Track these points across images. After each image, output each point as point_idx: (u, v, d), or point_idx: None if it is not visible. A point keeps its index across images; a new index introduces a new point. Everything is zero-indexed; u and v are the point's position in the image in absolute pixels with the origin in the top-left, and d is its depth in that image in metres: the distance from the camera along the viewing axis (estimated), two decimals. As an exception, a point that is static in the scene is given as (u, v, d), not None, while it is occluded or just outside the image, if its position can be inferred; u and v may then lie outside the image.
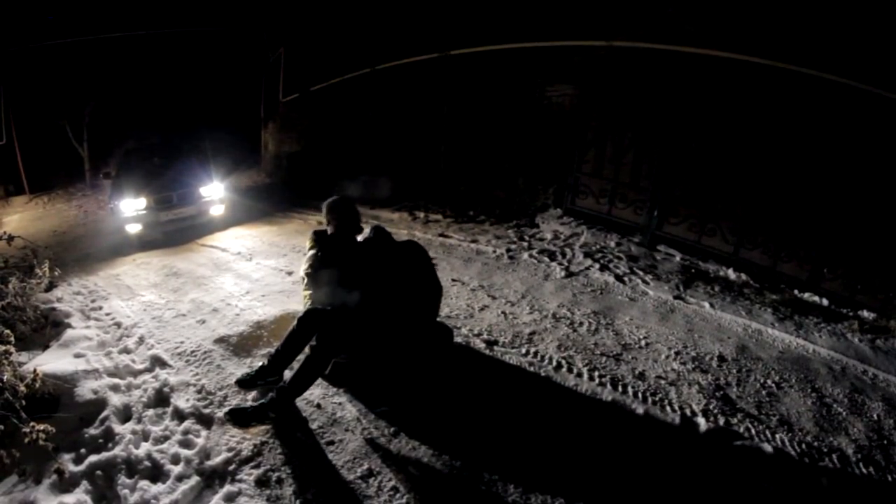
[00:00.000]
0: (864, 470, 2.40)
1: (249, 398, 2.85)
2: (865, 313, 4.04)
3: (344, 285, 2.80)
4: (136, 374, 3.16)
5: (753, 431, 2.63)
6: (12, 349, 2.68)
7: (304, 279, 3.00)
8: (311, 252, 2.97)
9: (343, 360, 2.86)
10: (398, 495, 2.21)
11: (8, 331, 2.82)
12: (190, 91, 11.90)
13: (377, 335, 2.78)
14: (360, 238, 3.01)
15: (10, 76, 10.11)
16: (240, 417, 2.55)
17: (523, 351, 3.37)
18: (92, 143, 10.76)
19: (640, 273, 4.77)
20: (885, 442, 2.61)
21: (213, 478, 2.34)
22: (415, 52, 8.08)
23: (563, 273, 4.77)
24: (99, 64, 10.77)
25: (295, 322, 2.79)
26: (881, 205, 4.01)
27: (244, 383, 2.93)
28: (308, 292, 2.97)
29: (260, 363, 2.98)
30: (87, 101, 10.51)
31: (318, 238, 3.00)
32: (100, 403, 2.78)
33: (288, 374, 2.95)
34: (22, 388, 2.46)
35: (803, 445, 2.55)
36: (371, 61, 8.80)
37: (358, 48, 9.00)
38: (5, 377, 2.45)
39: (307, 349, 2.66)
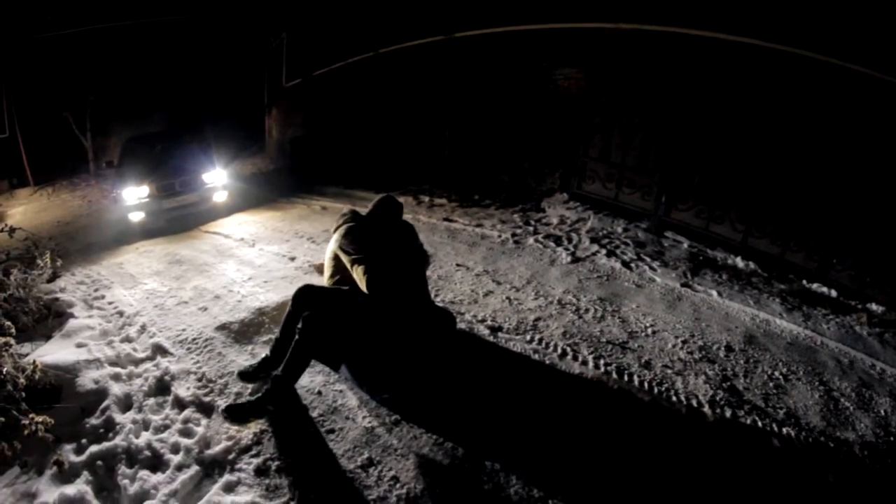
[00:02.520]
0: (870, 466, 2.35)
1: (250, 387, 2.83)
2: (874, 306, 3.96)
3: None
4: (137, 362, 3.16)
5: (760, 424, 2.58)
6: (12, 341, 2.67)
7: (343, 251, 2.77)
8: (344, 223, 2.91)
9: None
10: (398, 485, 2.19)
11: (9, 322, 2.81)
12: (192, 78, 11.81)
13: (376, 318, 2.71)
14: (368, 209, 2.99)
15: (11, 68, 10.04)
16: (237, 413, 2.51)
17: (528, 338, 3.33)
18: (95, 132, 10.74)
19: (648, 259, 4.70)
20: (893, 438, 2.55)
21: (212, 467, 2.33)
22: (418, 35, 7.95)
23: (569, 258, 4.71)
24: (101, 54, 10.66)
25: (290, 302, 2.76)
26: (892, 195, 3.90)
27: (246, 376, 2.86)
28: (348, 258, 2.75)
29: (263, 354, 2.95)
30: (89, 92, 10.45)
31: (353, 213, 2.99)
32: (101, 393, 2.77)
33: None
34: (22, 379, 2.45)
35: (810, 440, 2.50)
36: (374, 45, 8.67)
37: (361, 32, 8.86)
38: (5, 369, 2.44)
39: (296, 332, 2.57)
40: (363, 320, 2.66)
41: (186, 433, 2.53)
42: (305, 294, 2.73)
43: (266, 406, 2.53)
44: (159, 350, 3.26)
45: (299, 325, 2.53)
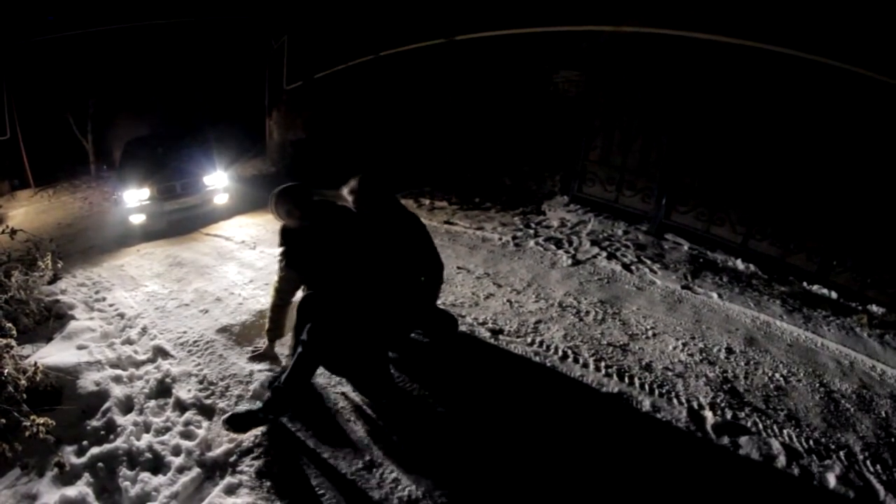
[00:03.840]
0: (871, 468, 2.34)
1: (251, 389, 2.82)
2: (875, 308, 3.95)
3: (317, 276, 2.75)
4: (138, 364, 3.16)
5: (761, 426, 2.58)
6: (13, 343, 2.67)
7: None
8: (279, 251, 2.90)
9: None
10: (399, 487, 2.19)
11: (10, 324, 2.82)
12: (193, 80, 11.83)
13: (374, 321, 2.66)
14: (345, 191, 2.87)
15: (12, 70, 10.05)
16: (238, 423, 2.48)
17: (529, 340, 3.33)
18: (96, 134, 10.76)
19: (648, 262, 4.70)
20: (893, 440, 2.55)
21: (213, 469, 2.33)
22: (420, 38, 7.95)
23: (569, 261, 4.71)
24: (102, 55, 10.68)
25: (296, 313, 2.72)
26: (892, 197, 3.90)
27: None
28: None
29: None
30: (90, 94, 10.46)
31: (282, 235, 2.88)
32: (102, 395, 2.77)
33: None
34: (23, 381, 2.45)
35: (811, 442, 2.49)
36: (375, 48, 8.69)
37: (362, 34, 8.88)
38: (6, 371, 2.44)
39: (299, 345, 2.51)
40: (368, 324, 2.63)
41: (187, 435, 2.53)
42: (309, 303, 2.66)
43: (267, 416, 2.49)
44: (160, 352, 3.26)
45: (303, 337, 2.46)
